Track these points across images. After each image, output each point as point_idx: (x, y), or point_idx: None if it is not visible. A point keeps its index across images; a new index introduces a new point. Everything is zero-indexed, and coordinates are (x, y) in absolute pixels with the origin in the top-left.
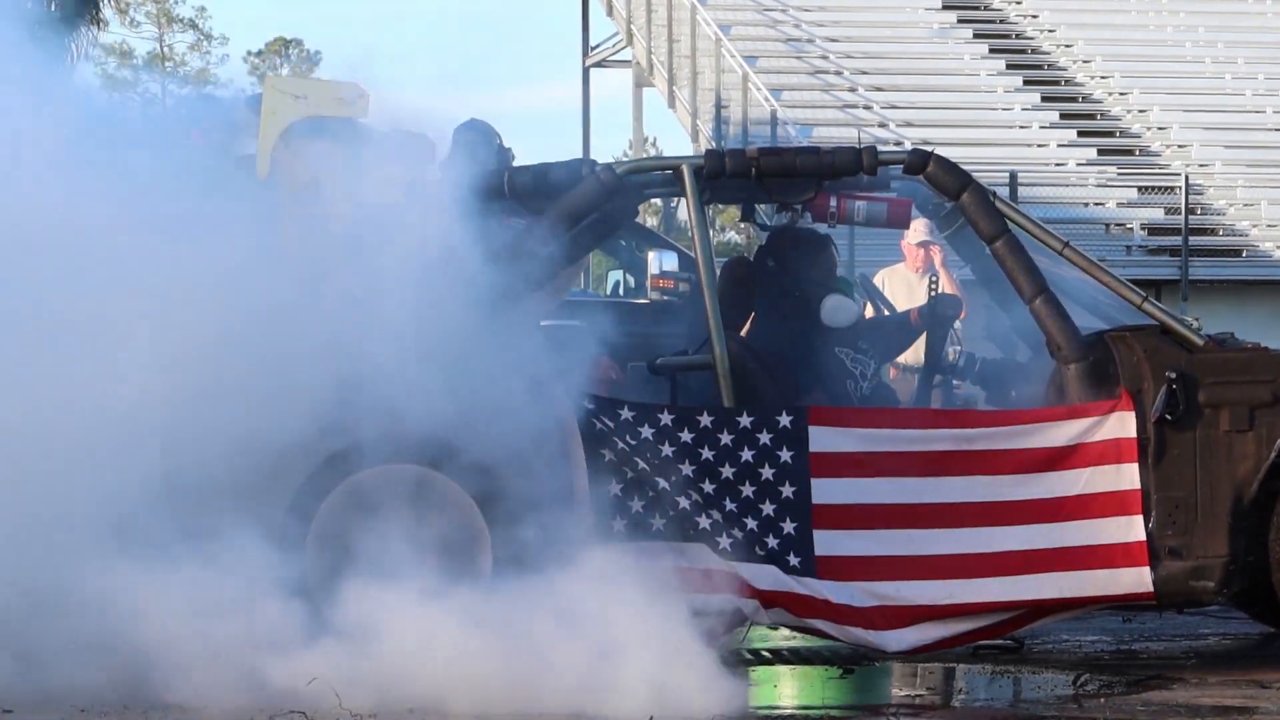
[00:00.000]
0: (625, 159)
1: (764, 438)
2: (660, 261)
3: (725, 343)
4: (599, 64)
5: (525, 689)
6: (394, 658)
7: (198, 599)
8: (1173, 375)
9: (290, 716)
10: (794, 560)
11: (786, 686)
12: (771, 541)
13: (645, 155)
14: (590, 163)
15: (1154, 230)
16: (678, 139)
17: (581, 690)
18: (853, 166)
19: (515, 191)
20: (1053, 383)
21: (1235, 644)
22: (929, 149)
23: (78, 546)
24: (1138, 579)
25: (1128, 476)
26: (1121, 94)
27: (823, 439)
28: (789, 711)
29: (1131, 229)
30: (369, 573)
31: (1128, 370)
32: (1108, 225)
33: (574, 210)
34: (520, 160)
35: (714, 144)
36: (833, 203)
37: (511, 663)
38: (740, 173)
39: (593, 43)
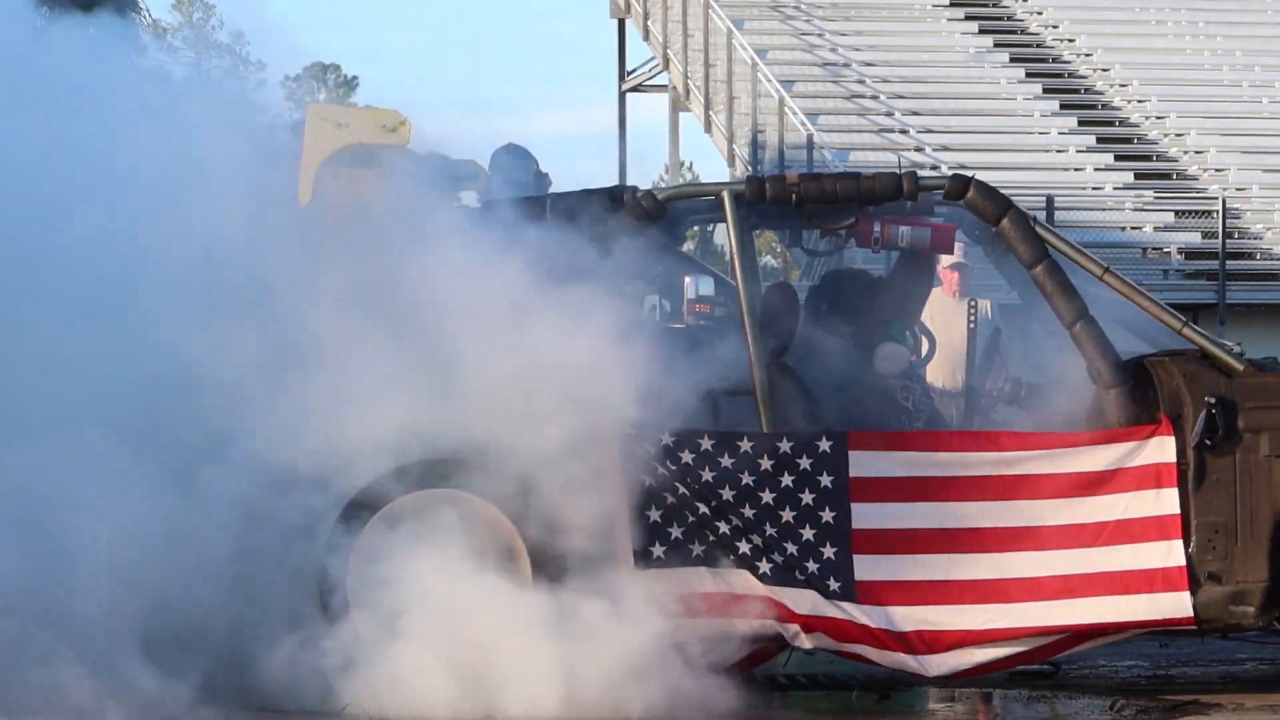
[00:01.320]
0: (663, 184)
1: (804, 462)
2: (697, 286)
3: (767, 368)
4: (635, 88)
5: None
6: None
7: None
8: (1212, 400)
9: None
10: (834, 585)
11: (825, 711)
12: (811, 566)
13: (682, 180)
14: (632, 189)
15: (1191, 254)
16: (714, 163)
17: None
18: (893, 192)
19: (557, 217)
20: (1093, 408)
21: (1273, 670)
22: (969, 174)
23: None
24: (1177, 604)
25: (1167, 501)
26: (1159, 118)
27: (863, 463)
28: None
29: (1169, 253)
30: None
31: (1167, 395)
32: (1145, 249)
33: (616, 235)
34: (557, 184)
35: (750, 169)
36: (876, 228)
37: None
38: (781, 199)
39: (629, 67)
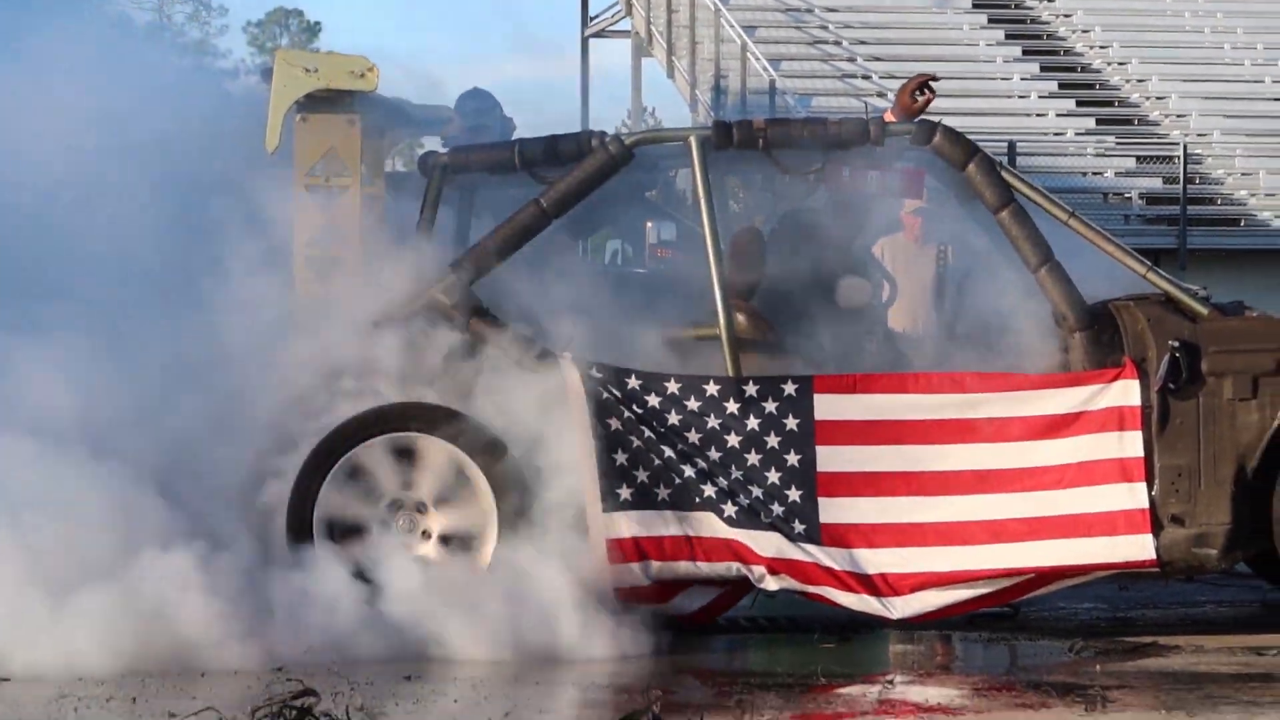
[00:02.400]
0: (626, 129)
1: (769, 406)
2: (659, 231)
3: (731, 312)
4: (598, 34)
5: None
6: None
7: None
8: (1176, 344)
9: (287, 684)
10: (799, 528)
11: (784, 654)
12: (776, 509)
13: (646, 125)
14: (600, 134)
15: (1152, 199)
16: (677, 109)
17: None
18: (860, 137)
19: (525, 162)
20: (1058, 351)
21: (1231, 611)
22: (935, 120)
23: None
24: (1141, 546)
25: (1131, 444)
26: (1120, 63)
27: (828, 406)
28: (788, 680)
29: (1130, 198)
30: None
31: (1132, 339)
32: (1106, 194)
33: (584, 181)
34: (521, 130)
35: (713, 114)
36: (846, 173)
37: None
38: (748, 143)
39: (592, 13)
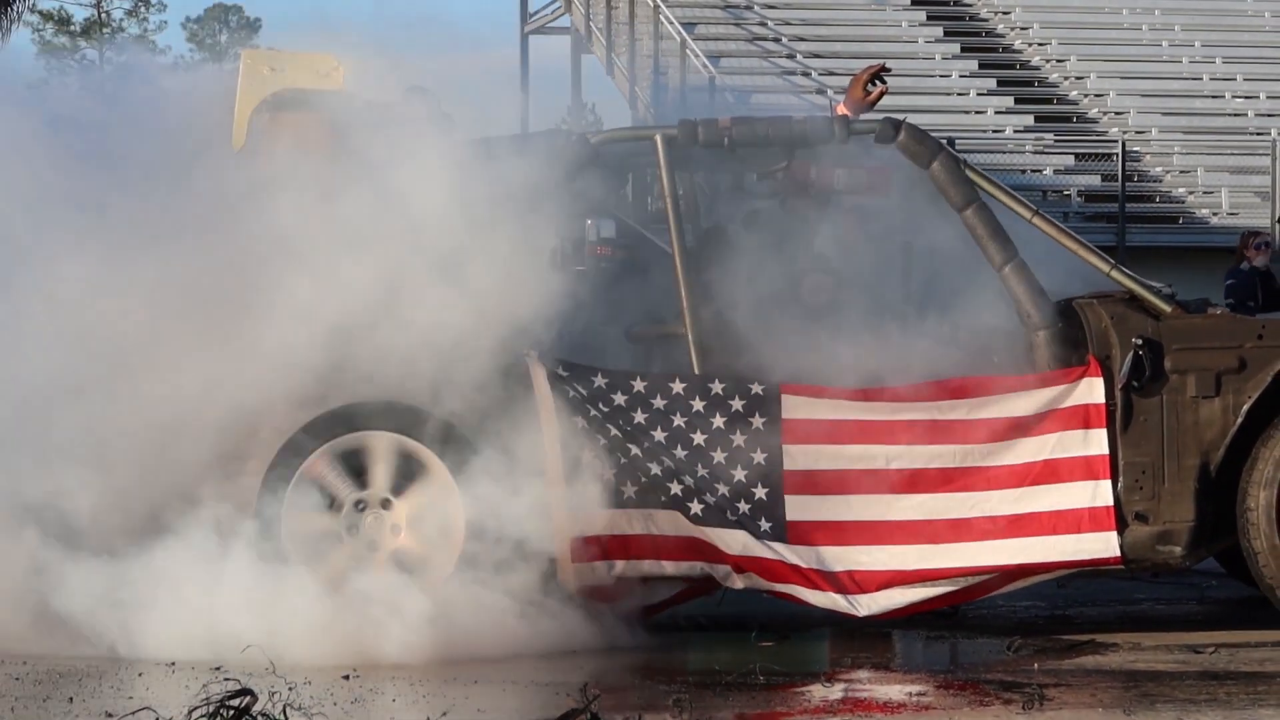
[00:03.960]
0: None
1: (736, 404)
2: (599, 229)
3: (697, 311)
4: (538, 30)
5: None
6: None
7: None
8: (1139, 341)
9: (225, 684)
10: (765, 525)
11: (722, 653)
12: (743, 507)
13: (585, 122)
14: (567, 133)
15: (1091, 197)
16: (616, 106)
17: None
18: (825, 136)
19: (495, 161)
20: (1023, 350)
21: (1169, 609)
22: (899, 118)
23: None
24: (1105, 544)
25: (1096, 442)
26: (1059, 60)
27: (795, 406)
28: (726, 679)
29: (1069, 195)
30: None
31: (1096, 337)
32: (1045, 192)
33: (552, 179)
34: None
35: (652, 111)
36: (813, 171)
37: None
38: (713, 142)
39: (531, 9)
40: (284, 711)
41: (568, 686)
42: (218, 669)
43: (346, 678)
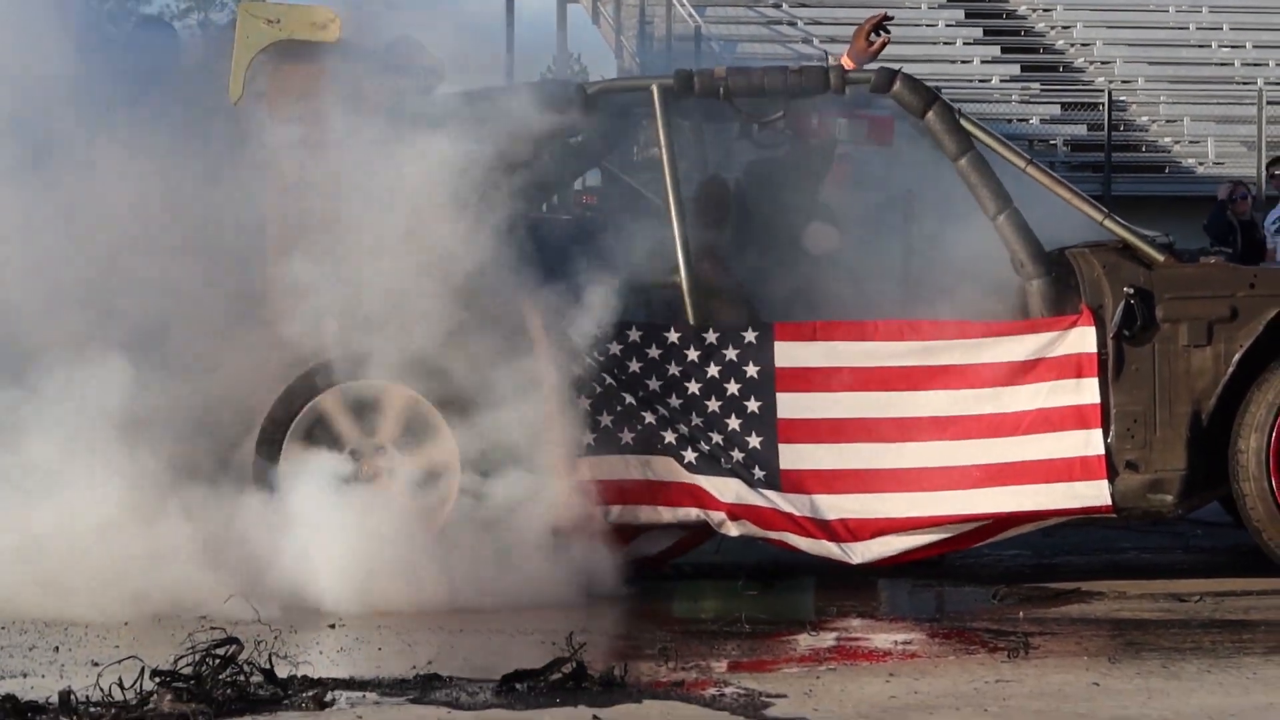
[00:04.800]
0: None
1: (730, 353)
2: (584, 178)
3: (692, 261)
4: None
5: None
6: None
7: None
8: (1130, 291)
9: (211, 632)
10: (759, 474)
11: (708, 602)
12: (737, 455)
13: (571, 72)
14: (565, 84)
15: (1077, 147)
16: (602, 55)
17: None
18: (820, 85)
19: (496, 113)
20: (1016, 298)
21: (1155, 558)
22: (895, 67)
23: None
24: (1096, 492)
25: (1088, 391)
26: (1045, 10)
27: (788, 354)
28: (712, 628)
29: (1055, 145)
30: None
31: (1088, 286)
32: (1031, 141)
33: (549, 131)
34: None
35: (638, 61)
36: (815, 120)
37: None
38: (709, 92)
39: None
40: (269, 660)
41: (553, 635)
42: (203, 618)
43: (333, 626)
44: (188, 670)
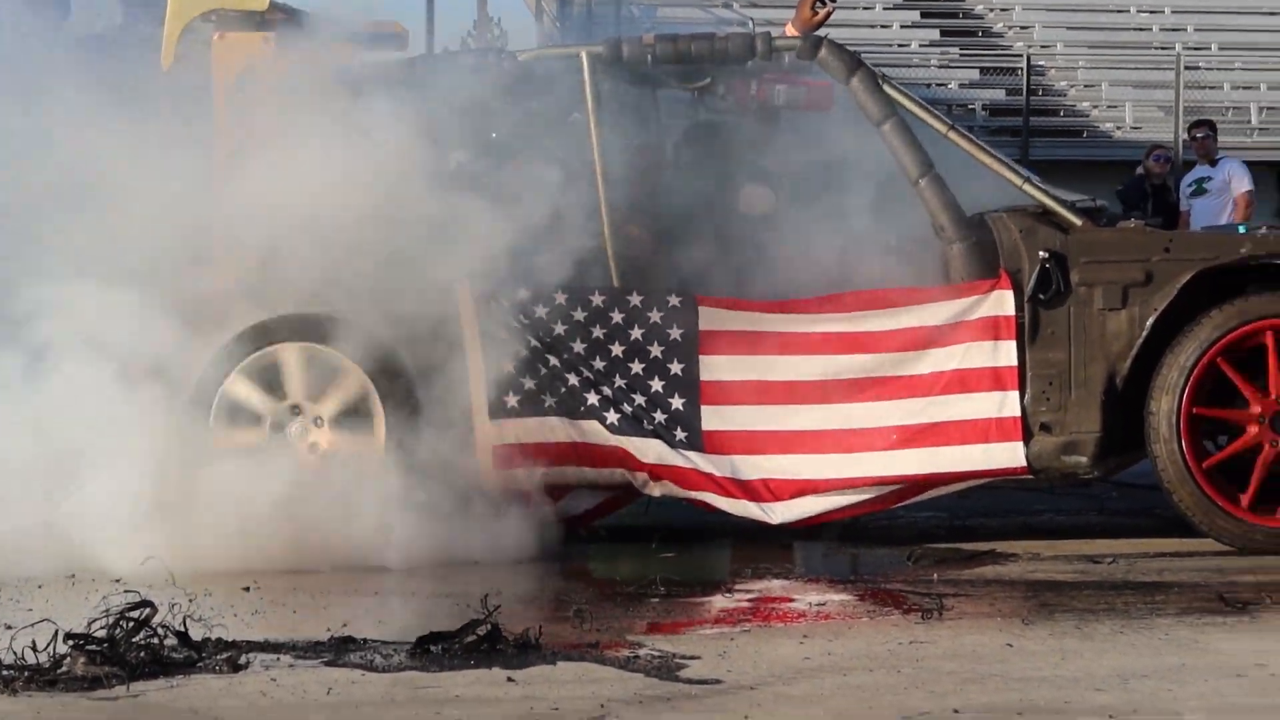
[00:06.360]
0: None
1: (654, 316)
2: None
3: (616, 226)
4: None
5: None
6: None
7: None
8: (1046, 255)
9: (125, 595)
10: (681, 435)
11: (623, 564)
12: (659, 417)
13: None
14: (496, 51)
15: (996, 111)
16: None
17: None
18: (746, 52)
19: (423, 81)
20: (938, 263)
21: (1068, 520)
22: (821, 35)
23: None
24: (1012, 454)
25: (1004, 353)
26: None
27: (712, 318)
28: (627, 590)
29: (974, 110)
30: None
31: (1006, 250)
32: (950, 106)
33: (481, 98)
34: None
35: (558, 25)
36: (753, 87)
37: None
38: (637, 59)
39: None
40: (184, 623)
41: (469, 598)
42: (118, 581)
43: (247, 589)
44: (101, 633)
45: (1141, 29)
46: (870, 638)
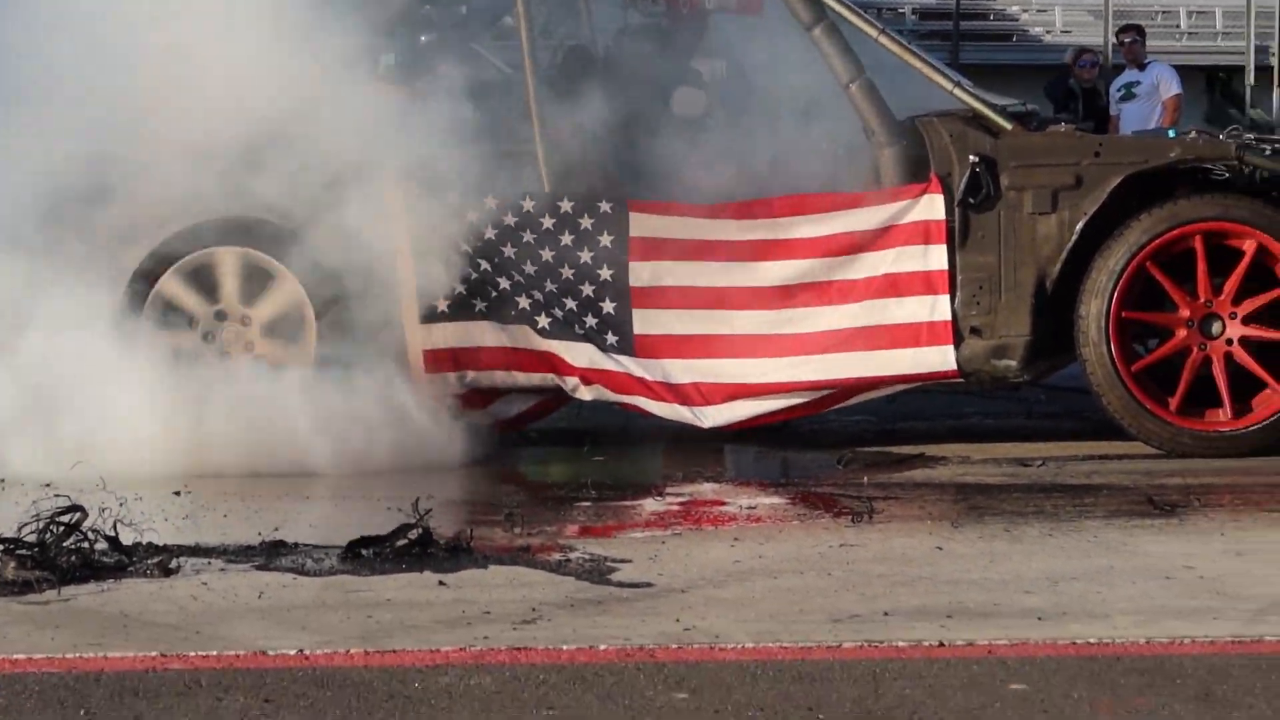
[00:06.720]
0: None
1: (585, 222)
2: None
3: (547, 131)
4: None
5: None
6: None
7: None
8: (976, 159)
9: (56, 500)
10: (612, 339)
11: (555, 467)
12: (590, 321)
13: None
14: None
15: (926, 15)
16: None
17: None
18: None
19: None
20: (868, 167)
21: (998, 424)
22: None
23: None
24: (942, 358)
25: (935, 257)
26: None
27: (643, 223)
28: (559, 494)
29: (903, 13)
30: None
31: (937, 154)
32: (880, 10)
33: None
34: None
35: None
36: None
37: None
38: None
39: None
40: (114, 527)
41: (401, 502)
42: (48, 485)
43: (178, 494)
44: (32, 538)
45: None
46: (801, 541)
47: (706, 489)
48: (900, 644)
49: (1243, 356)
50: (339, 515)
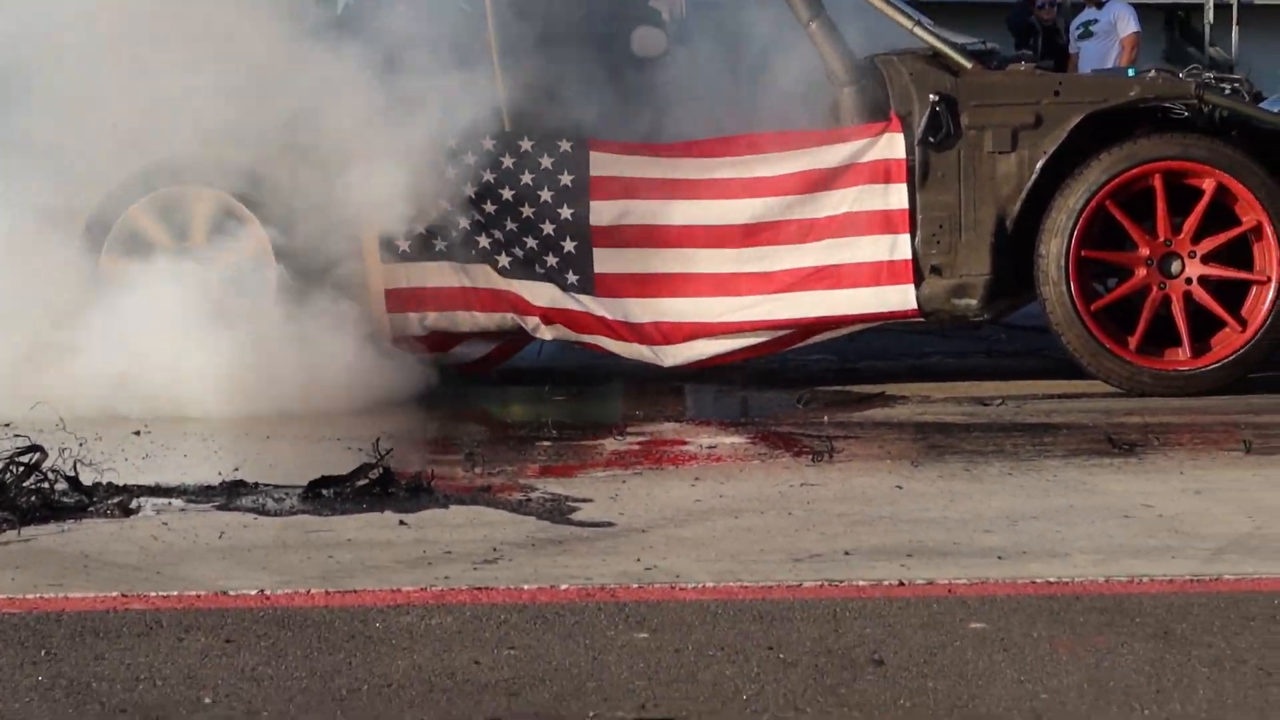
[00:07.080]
0: None
1: (545, 161)
2: None
3: (505, 69)
4: None
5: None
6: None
7: None
8: (936, 98)
9: (15, 440)
10: (572, 278)
11: (515, 407)
12: (551, 260)
13: None
14: None
15: None
16: None
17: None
18: None
19: None
20: (828, 106)
21: (958, 363)
22: None
23: None
24: (902, 297)
25: (895, 197)
26: None
27: (603, 162)
28: (520, 433)
29: None
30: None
31: (897, 93)
32: None
33: None
34: None
35: None
36: None
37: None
38: None
39: None
40: (74, 467)
41: (361, 441)
42: (7, 425)
43: (137, 433)
44: None
45: None
46: (761, 480)
47: (667, 428)
48: (860, 583)
49: (1202, 295)
50: (299, 455)
